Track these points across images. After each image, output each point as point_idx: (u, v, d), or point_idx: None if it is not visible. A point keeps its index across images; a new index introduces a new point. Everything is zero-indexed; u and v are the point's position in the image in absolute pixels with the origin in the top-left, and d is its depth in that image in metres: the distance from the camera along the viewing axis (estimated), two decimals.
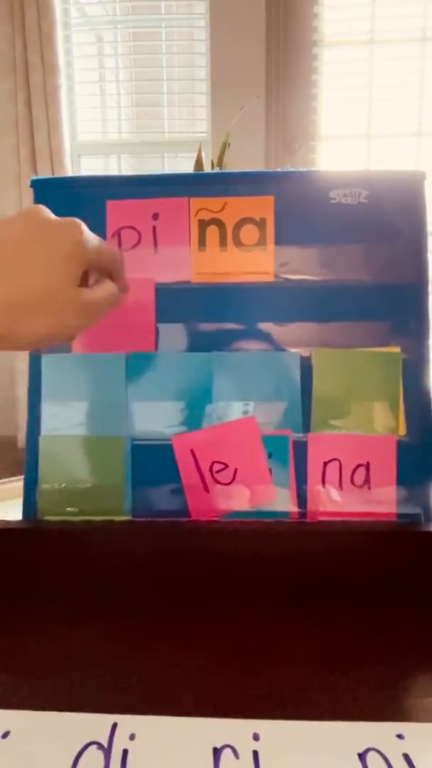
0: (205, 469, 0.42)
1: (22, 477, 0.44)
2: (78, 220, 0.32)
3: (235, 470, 0.42)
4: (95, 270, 0.34)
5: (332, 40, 1.93)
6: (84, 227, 0.32)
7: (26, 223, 0.31)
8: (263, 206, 0.43)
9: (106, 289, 0.34)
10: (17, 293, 0.29)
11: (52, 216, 0.32)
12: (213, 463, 0.42)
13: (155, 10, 2.02)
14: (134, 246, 0.44)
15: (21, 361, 2.11)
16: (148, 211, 0.44)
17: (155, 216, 0.44)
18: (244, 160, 1.83)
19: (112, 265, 0.35)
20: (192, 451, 0.42)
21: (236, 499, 0.42)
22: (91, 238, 0.33)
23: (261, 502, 0.42)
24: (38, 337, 0.30)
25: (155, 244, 0.44)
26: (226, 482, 0.42)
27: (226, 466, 0.42)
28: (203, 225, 0.44)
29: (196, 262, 0.44)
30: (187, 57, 2.07)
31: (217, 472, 0.42)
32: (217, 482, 0.42)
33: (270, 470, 0.42)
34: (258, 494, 0.42)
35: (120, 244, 0.44)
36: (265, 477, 0.42)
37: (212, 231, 0.44)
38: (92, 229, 0.44)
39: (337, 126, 1.97)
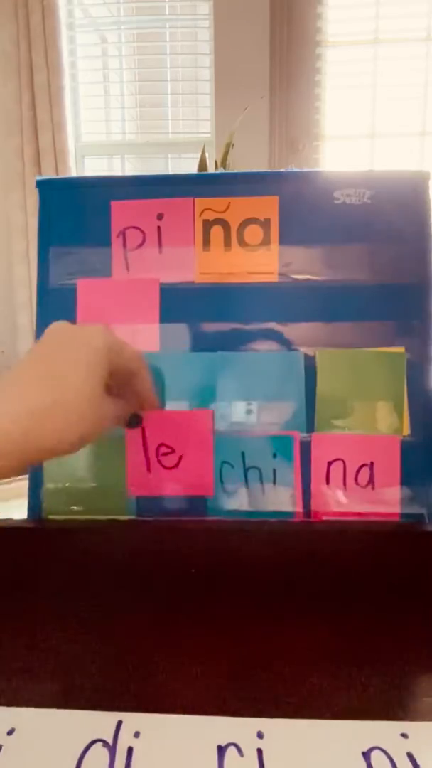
0: (151, 449, 0.42)
1: (27, 476, 0.44)
2: (102, 326, 0.34)
3: (180, 457, 0.42)
4: (119, 374, 0.35)
5: (336, 40, 1.93)
6: (108, 331, 0.34)
7: (53, 335, 0.33)
8: (267, 206, 0.43)
9: (121, 406, 0.36)
10: (46, 399, 0.29)
11: (76, 326, 0.34)
12: (160, 446, 0.42)
13: (159, 11, 2.02)
14: (139, 246, 0.44)
15: None
16: (152, 212, 0.44)
17: (160, 216, 0.44)
18: (248, 161, 1.83)
19: (136, 369, 0.36)
20: (143, 428, 0.43)
21: (174, 485, 0.42)
22: (115, 341, 0.34)
23: (198, 494, 0.42)
24: (78, 437, 0.31)
25: (160, 244, 0.44)
26: (169, 466, 0.42)
27: (173, 450, 0.42)
28: (208, 225, 0.44)
29: (201, 262, 0.44)
30: (191, 57, 2.07)
31: (163, 455, 0.42)
32: (161, 465, 0.43)
33: (275, 471, 0.42)
34: (197, 487, 0.42)
35: (125, 245, 0.44)
36: (207, 472, 0.42)
37: (216, 231, 0.44)
38: (97, 229, 0.45)
39: (340, 126, 1.97)
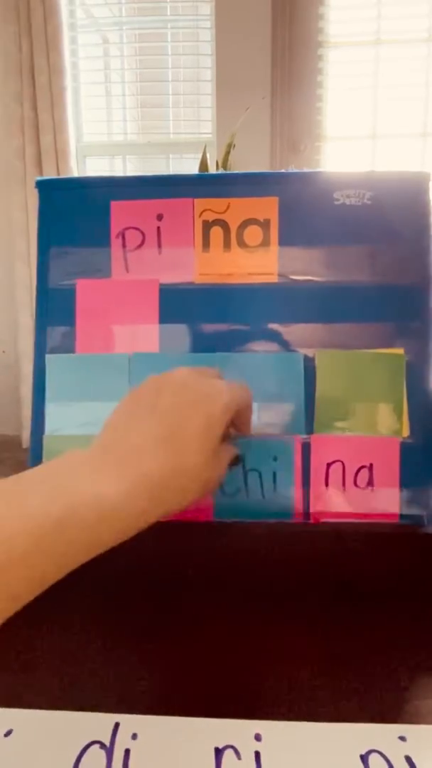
0: None
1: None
2: (225, 384, 0.33)
3: None
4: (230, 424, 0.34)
5: (337, 40, 1.93)
6: (230, 388, 0.33)
7: (175, 390, 0.32)
8: (267, 207, 0.43)
9: (230, 451, 0.35)
10: (166, 468, 0.29)
11: (198, 377, 0.32)
12: None
13: (161, 11, 2.02)
14: (138, 246, 0.44)
15: (25, 361, 2.12)
16: (152, 212, 0.44)
17: (159, 217, 0.44)
18: (249, 161, 1.83)
19: (244, 412, 0.36)
20: None
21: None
22: (234, 398, 0.33)
23: (197, 520, 0.42)
24: (194, 499, 0.30)
25: (159, 245, 0.44)
26: None
27: None
28: (207, 226, 0.44)
29: (200, 263, 0.44)
30: (193, 58, 2.07)
31: None
32: None
33: (275, 474, 0.42)
34: (197, 512, 0.42)
35: (124, 245, 0.44)
36: (207, 503, 0.42)
37: (216, 232, 0.44)
38: (97, 229, 0.45)
39: (342, 127, 1.98)
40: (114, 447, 0.29)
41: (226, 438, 0.34)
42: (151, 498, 0.28)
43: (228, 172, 1.27)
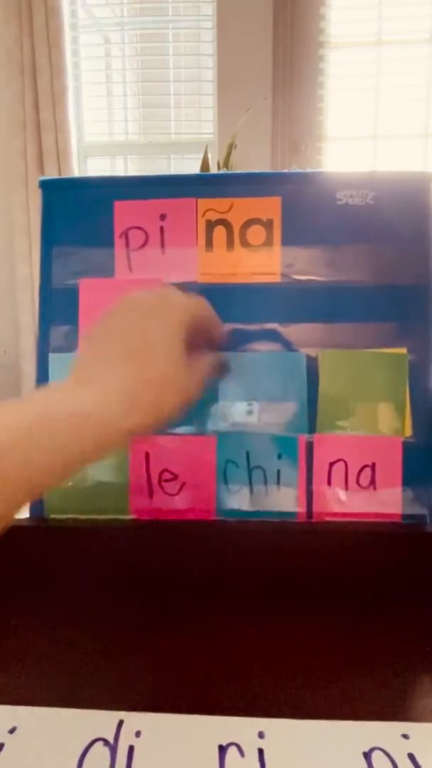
0: (154, 475, 0.43)
1: None
2: (173, 290, 0.34)
3: (183, 484, 0.43)
4: (194, 329, 0.35)
5: (339, 41, 1.93)
6: (179, 293, 0.34)
7: (129, 307, 0.33)
8: (270, 207, 0.44)
9: (208, 361, 0.36)
10: (142, 377, 0.30)
11: (148, 294, 0.34)
12: (163, 471, 0.43)
13: (162, 12, 2.02)
14: (141, 246, 0.44)
15: (26, 361, 2.12)
16: (155, 212, 0.44)
17: (163, 216, 0.44)
18: (251, 162, 1.83)
19: (208, 320, 0.36)
20: (147, 454, 0.43)
21: (176, 512, 0.43)
22: (186, 301, 0.34)
23: (199, 519, 0.42)
24: (172, 410, 0.31)
25: (162, 245, 0.44)
26: (172, 493, 0.43)
27: (175, 477, 0.43)
28: (210, 225, 0.44)
29: (203, 263, 0.44)
30: (194, 58, 2.07)
31: (165, 481, 0.43)
32: (163, 491, 0.43)
33: (279, 471, 0.42)
34: (199, 512, 0.42)
35: (127, 245, 0.44)
36: (209, 498, 0.42)
37: (219, 231, 0.44)
38: (100, 229, 0.45)
39: (343, 127, 1.97)
40: (86, 370, 0.30)
41: (197, 347, 0.35)
42: (124, 402, 0.28)
43: (230, 172, 1.28)
